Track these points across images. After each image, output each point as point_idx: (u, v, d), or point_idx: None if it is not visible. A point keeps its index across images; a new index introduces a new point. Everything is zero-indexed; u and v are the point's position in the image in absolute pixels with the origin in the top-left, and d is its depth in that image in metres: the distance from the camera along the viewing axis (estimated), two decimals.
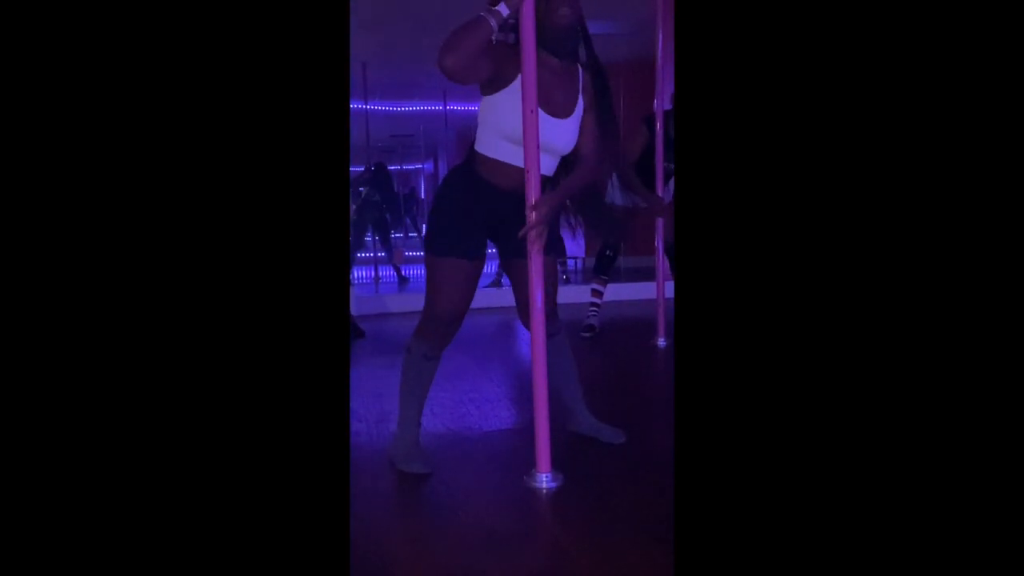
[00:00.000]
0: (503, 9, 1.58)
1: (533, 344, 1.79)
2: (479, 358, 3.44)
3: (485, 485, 1.83)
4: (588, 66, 1.86)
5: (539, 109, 1.67)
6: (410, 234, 11.13)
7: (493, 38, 1.60)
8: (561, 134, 1.78)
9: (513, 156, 1.76)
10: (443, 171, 11.64)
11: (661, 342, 3.56)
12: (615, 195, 3.16)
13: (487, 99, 1.75)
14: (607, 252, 3.76)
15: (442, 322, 1.89)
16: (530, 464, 1.82)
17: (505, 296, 5.27)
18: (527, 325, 1.95)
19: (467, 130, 10.10)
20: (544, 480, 1.77)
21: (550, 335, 1.92)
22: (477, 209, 1.83)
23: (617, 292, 5.03)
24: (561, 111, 1.78)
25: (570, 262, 7.35)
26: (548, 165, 1.82)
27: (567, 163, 1.91)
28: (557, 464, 1.81)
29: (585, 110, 1.84)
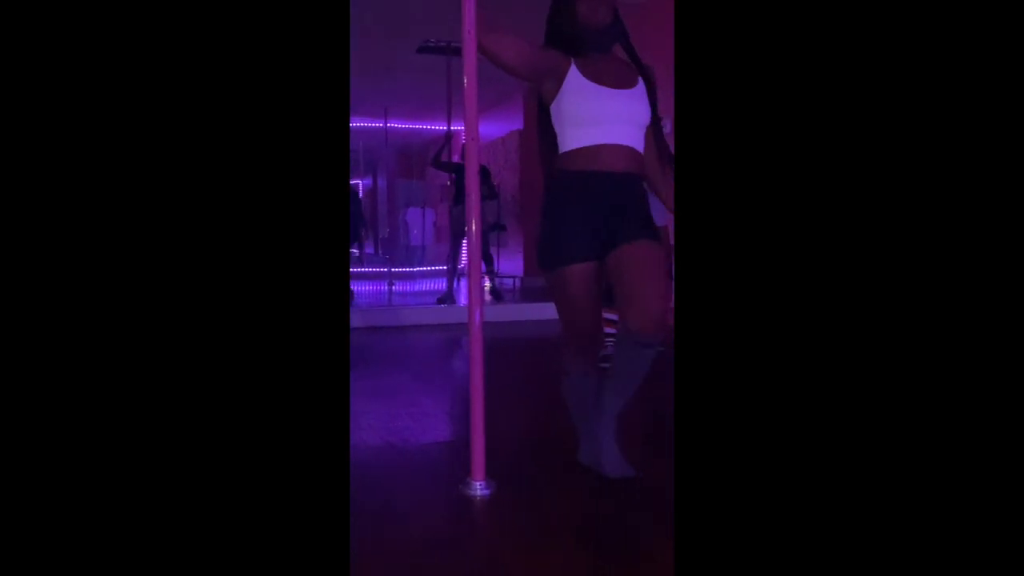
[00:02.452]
0: None
1: (471, 356, 1.88)
2: (418, 373, 3.50)
3: (422, 493, 1.90)
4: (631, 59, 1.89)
5: (602, 86, 1.75)
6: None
7: None
8: (630, 103, 1.79)
9: (607, 135, 1.76)
10: (382, 186, 11.62)
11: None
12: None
13: (556, 103, 1.78)
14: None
15: (584, 335, 1.84)
16: (465, 473, 1.90)
17: (448, 313, 5.35)
18: (634, 327, 1.69)
19: (406, 147, 10.15)
20: (478, 488, 1.86)
21: (649, 344, 1.72)
22: (582, 209, 1.77)
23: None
24: (623, 84, 1.80)
25: (507, 281, 7.46)
26: (630, 135, 1.79)
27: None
28: (491, 472, 1.90)
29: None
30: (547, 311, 5.25)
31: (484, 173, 5.85)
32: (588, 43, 1.78)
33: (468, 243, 1.88)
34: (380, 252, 7.79)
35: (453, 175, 5.87)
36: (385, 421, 2.60)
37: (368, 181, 12.26)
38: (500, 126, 8.83)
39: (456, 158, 6.09)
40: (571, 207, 1.76)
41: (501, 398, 2.82)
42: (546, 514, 1.74)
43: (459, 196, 5.75)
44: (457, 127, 6.09)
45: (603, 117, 1.75)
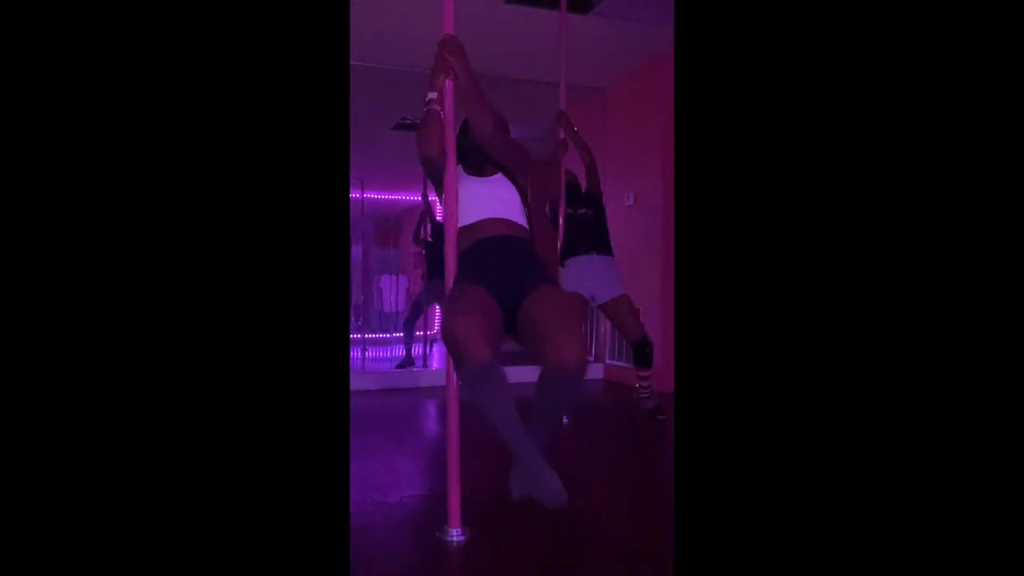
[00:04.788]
0: (431, 95, 2.08)
1: (448, 414, 2.07)
2: (392, 433, 3.65)
3: (402, 540, 2.06)
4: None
5: (468, 175, 2.15)
6: None
7: (441, 114, 2.07)
8: (492, 185, 2.13)
9: (481, 213, 2.07)
10: (357, 254, 11.84)
11: (563, 419, 3.86)
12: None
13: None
14: (646, 348, 3.80)
15: (460, 334, 1.66)
16: (442, 521, 2.07)
17: (420, 378, 5.51)
18: (556, 369, 1.69)
19: (383, 217, 10.42)
20: (454, 534, 2.04)
21: (570, 382, 1.70)
22: (476, 272, 1.96)
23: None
24: (485, 174, 2.17)
25: None
26: (500, 210, 2.08)
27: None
28: (465, 520, 2.08)
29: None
30: (514, 375, 5.44)
31: None
32: (472, 158, 2.18)
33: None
34: (354, 318, 7.95)
35: (422, 251, 6.11)
36: (364, 477, 2.75)
37: None
38: None
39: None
40: (468, 272, 1.99)
41: (473, 453, 2.99)
42: (518, 557, 1.91)
43: (431, 271, 5.96)
44: (433, 198, 6.38)
45: (474, 199, 2.09)
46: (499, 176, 2.18)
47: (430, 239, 6.15)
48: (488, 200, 2.11)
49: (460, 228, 2.10)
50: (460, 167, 2.19)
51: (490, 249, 2.02)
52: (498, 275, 1.95)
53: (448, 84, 2.07)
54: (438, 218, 5.98)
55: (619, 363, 5.50)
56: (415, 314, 6.11)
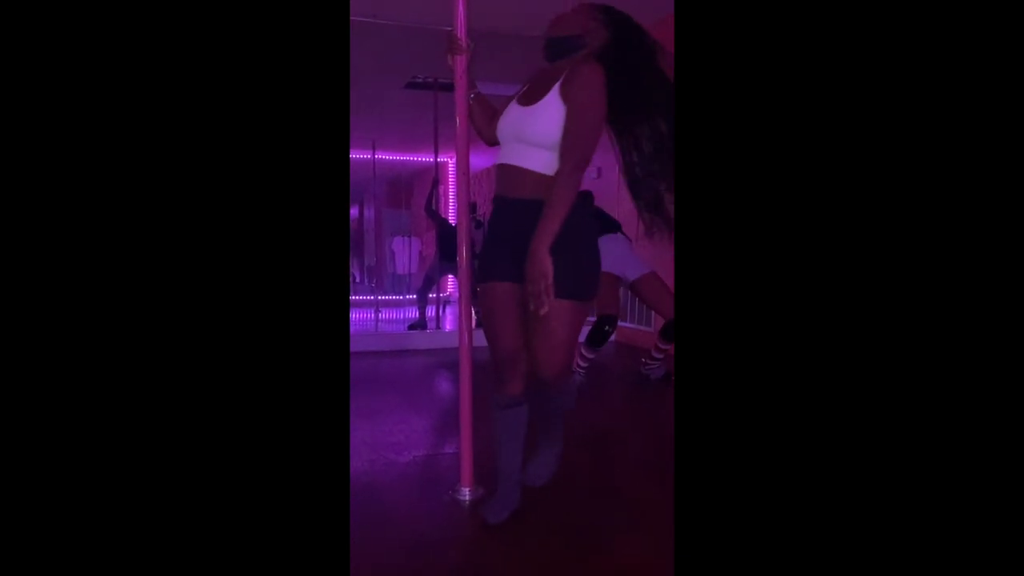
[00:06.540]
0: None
1: (460, 375, 2.06)
2: (406, 395, 3.67)
3: (415, 500, 2.07)
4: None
5: (513, 103, 1.76)
6: None
7: (472, 95, 1.96)
8: (523, 118, 1.68)
9: (502, 155, 1.75)
10: (369, 216, 11.84)
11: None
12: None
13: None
14: (605, 327, 3.67)
15: (501, 358, 1.80)
16: (454, 481, 2.08)
17: (433, 339, 5.52)
18: (542, 372, 1.74)
19: (395, 178, 10.36)
20: (466, 493, 2.04)
21: (548, 398, 1.85)
22: (497, 232, 1.79)
23: None
24: (527, 100, 1.71)
25: None
26: (521, 154, 1.69)
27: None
28: (478, 480, 2.08)
29: (566, 118, 1.62)
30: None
31: (471, 206, 6.03)
32: (544, 51, 1.79)
33: (459, 271, 2.08)
34: (367, 280, 7.95)
35: (435, 229, 6.08)
36: (377, 437, 2.76)
37: (355, 211, 12.44)
38: (484, 158, 9.09)
39: (447, 194, 6.29)
40: (491, 229, 1.83)
41: (486, 413, 2.99)
42: (530, 516, 1.92)
43: (443, 254, 5.92)
44: (444, 159, 6.32)
45: (500, 135, 1.76)
46: (544, 103, 1.65)
47: (436, 208, 6.11)
48: (509, 136, 1.72)
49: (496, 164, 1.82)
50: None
51: (503, 214, 1.76)
52: (510, 248, 1.72)
53: (460, 60, 1.94)
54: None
55: (631, 325, 5.48)
56: (428, 284, 6.12)
